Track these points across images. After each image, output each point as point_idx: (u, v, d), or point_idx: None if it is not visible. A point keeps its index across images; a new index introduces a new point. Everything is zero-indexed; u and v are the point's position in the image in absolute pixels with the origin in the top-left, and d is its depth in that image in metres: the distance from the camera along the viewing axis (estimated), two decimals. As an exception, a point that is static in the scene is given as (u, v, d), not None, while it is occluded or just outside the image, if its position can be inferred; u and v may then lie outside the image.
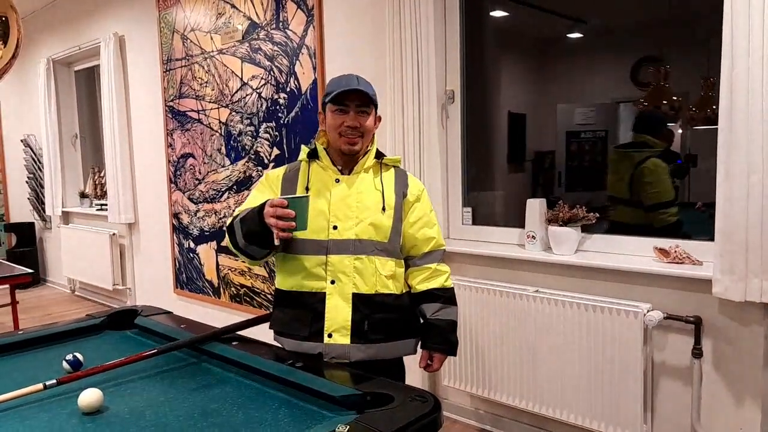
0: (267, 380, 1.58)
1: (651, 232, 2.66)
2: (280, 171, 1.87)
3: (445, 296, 1.83)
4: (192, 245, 4.54)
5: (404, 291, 1.83)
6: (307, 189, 1.78)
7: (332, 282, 1.71)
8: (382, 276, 1.74)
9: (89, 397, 1.43)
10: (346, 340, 1.70)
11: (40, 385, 1.50)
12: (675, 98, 3.36)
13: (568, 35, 3.85)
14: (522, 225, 2.79)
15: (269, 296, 3.91)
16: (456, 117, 3.05)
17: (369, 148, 1.83)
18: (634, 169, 2.96)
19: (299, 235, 1.71)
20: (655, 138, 2.98)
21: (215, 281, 4.35)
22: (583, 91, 3.81)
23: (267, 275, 3.91)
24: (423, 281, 1.83)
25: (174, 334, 1.93)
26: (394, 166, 1.87)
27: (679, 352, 2.31)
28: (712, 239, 2.16)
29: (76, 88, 6.18)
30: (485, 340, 2.75)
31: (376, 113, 1.81)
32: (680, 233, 2.76)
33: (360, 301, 1.71)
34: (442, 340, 1.81)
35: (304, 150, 1.85)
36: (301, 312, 1.75)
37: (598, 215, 2.59)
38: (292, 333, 1.77)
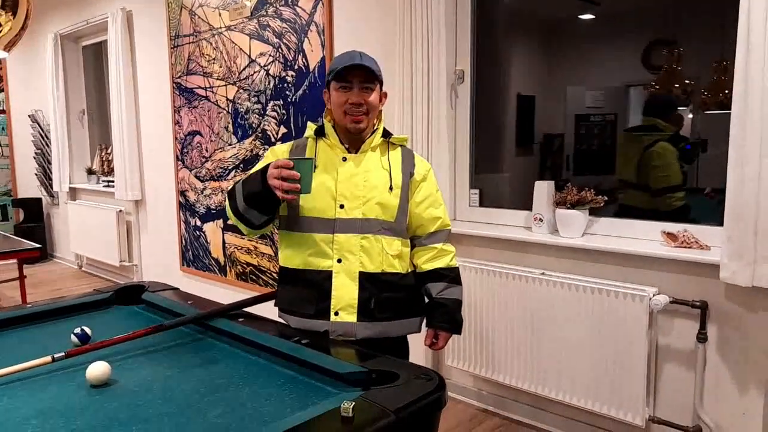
0: (273, 357, 1.59)
1: (658, 216, 2.64)
2: (287, 146, 1.85)
3: (451, 275, 1.84)
4: (198, 223, 4.55)
5: (410, 270, 1.84)
6: (314, 167, 1.74)
7: (339, 260, 1.71)
8: (389, 255, 1.74)
9: (97, 369, 1.44)
10: (353, 318, 1.71)
11: (48, 358, 1.52)
12: (687, 82, 3.31)
13: (579, 17, 3.80)
14: (529, 208, 2.78)
15: (275, 275, 3.93)
16: (465, 97, 3.02)
17: (376, 126, 1.80)
18: (643, 152, 2.93)
19: (305, 213, 1.72)
20: (664, 122, 2.94)
21: (221, 259, 4.37)
22: (594, 74, 3.76)
23: (273, 254, 3.93)
24: (429, 260, 1.83)
25: (181, 309, 1.94)
26: (401, 146, 1.85)
27: (684, 337, 2.31)
28: (720, 224, 2.15)
29: (83, 64, 6.16)
30: (490, 321, 2.76)
31: (381, 89, 1.78)
32: (687, 218, 2.74)
33: (366, 280, 1.72)
34: (447, 319, 1.82)
35: (311, 127, 1.83)
36: (307, 290, 1.75)
37: (606, 198, 2.57)
38: (298, 311, 1.77)
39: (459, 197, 3.10)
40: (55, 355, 1.53)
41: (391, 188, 1.75)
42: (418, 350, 2.95)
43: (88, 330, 1.73)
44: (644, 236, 2.49)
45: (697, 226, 2.37)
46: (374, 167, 1.76)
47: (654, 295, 2.27)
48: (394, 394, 1.26)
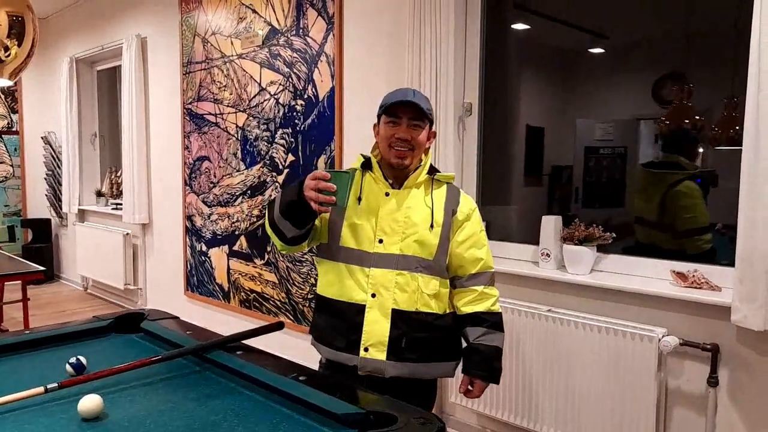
0: (270, 393, 1.55)
1: (681, 257, 2.52)
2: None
3: (492, 320, 1.77)
4: (204, 248, 4.54)
5: (447, 311, 1.79)
6: (359, 200, 1.76)
7: (373, 295, 1.69)
8: (425, 294, 1.71)
9: (89, 403, 1.41)
10: (382, 356, 1.68)
11: (41, 389, 1.49)
12: (697, 117, 3.29)
13: (589, 50, 3.81)
14: (537, 241, 2.74)
15: (278, 302, 3.90)
16: (473, 129, 3.02)
17: (422, 163, 1.79)
18: (666, 191, 2.84)
19: (345, 243, 1.73)
20: (686, 158, 2.87)
21: (225, 285, 4.35)
22: (603, 107, 3.76)
23: (276, 281, 3.90)
24: (468, 303, 1.77)
25: (179, 340, 1.91)
26: (447, 183, 1.83)
27: (694, 380, 2.25)
28: (732, 264, 2.10)
29: (97, 88, 6.25)
30: (495, 357, 2.70)
31: (431, 128, 1.78)
32: (713, 261, 2.66)
33: (399, 318, 1.69)
34: (484, 367, 1.75)
35: (359, 159, 1.83)
36: (339, 321, 1.74)
37: (614, 235, 2.53)
38: (329, 342, 1.76)
39: (465, 229, 3.07)
40: (48, 386, 1.50)
41: (432, 226, 1.72)
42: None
43: (83, 359, 1.70)
44: (654, 275, 2.44)
45: (707, 266, 2.32)
46: (416, 204, 1.74)
47: (663, 336, 2.22)
48: (391, 439, 1.22)
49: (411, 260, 1.70)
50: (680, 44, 3.26)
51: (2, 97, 6.50)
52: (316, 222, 1.77)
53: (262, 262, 3.98)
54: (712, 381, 2.17)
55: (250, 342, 1.89)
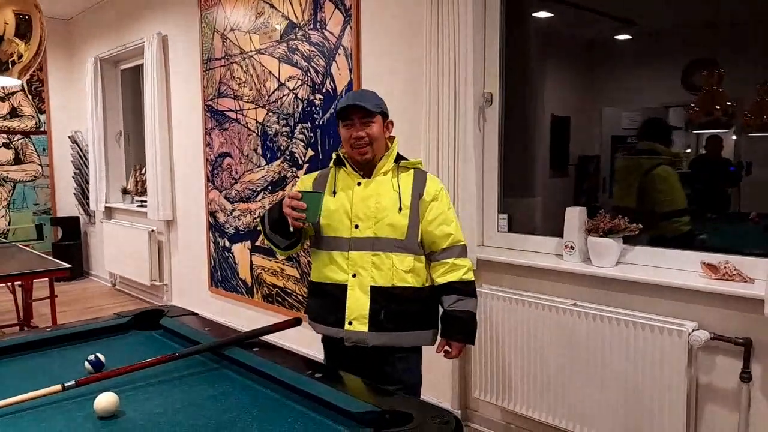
0: (286, 390, 1.53)
1: (661, 243, 2.57)
2: (313, 175, 2.10)
3: (464, 289, 1.95)
4: (227, 244, 4.56)
5: (426, 285, 1.97)
6: (334, 193, 1.98)
7: (353, 275, 1.90)
8: (400, 270, 1.89)
9: (105, 401, 1.41)
10: (364, 328, 1.88)
11: (58, 386, 1.50)
12: (729, 103, 3.18)
13: (615, 37, 3.70)
14: (562, 234, 2.67)
15: (300, 297, 3.89)
16: (493, 120, 2.96)
17: (388, 152, 1.98)
18: (643, 177, 2.86)
19: (326, 232, 1.96)
20: (663, 145, 2.87)
21: (249, 280, 4.36)
22: (630, 95, 3.65)
23: (299, 276, 3.89)
24: (442, 274, 1.96)
25: (197, 336, 1.91)
26: (415, 168, 2.01)
27: (726, 376, 2.16)
28: (765, 254, 2.02)
29: (121, 87, 6.32)
30: (518, 352, 2.65)
31: (385, 120, 1.98)
32: (695, 243, 2.64)
33: (378, 293, 1.88)
34: (458, 330, 1.94)
35: (333, 157, 2.05)
36: (327, 301, 1.95)
37: (641, 226, 2.45)
38: (321, 319, 1.98)
39: (487, 222, 3.02)
40: (66, 384, 1.50)
41: (400, 209, 1.91)
42: (444, 379, 2.86)
43: (101, 357, 1.71)
44: (683, 267, 2.35)
45: (739, 257, 2.23)
46: (385, 190, 1.94)
47: (693, 331, 2.14)
48: (406, 439, 1.18)
49: (384, 241, 1.89)
50: (711, 29, 3.14)
51: (30, 98, 6.62)
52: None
53: (284, 257, 3.98)
54: (745, 376, 2.09)
55: (271, 337, 1.88)
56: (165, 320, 2.11)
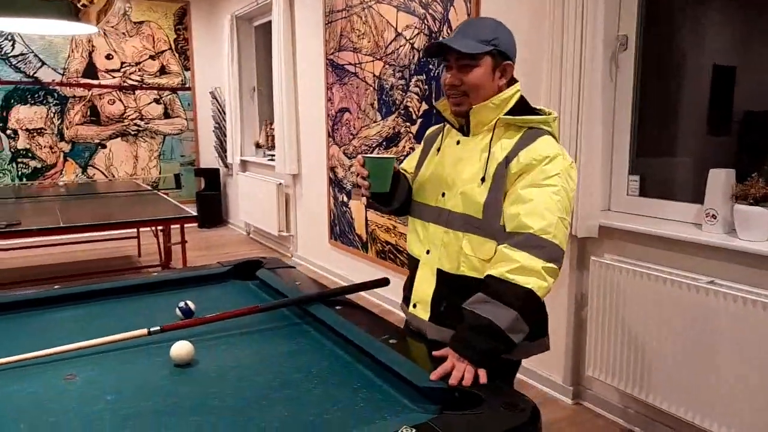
0: (358, 353, 1.45)
1: None
2: (431, 130, 1.76)
3: (497, 288, 1.33)
4: (345, 199, 4.59)
5: None
6: (438, 150, 1.63)
7: (427, 252, 1.58)
8: (469, 257, 1.46)
9: (180, 349, 1.42)
10: (425, 316, 1.57)
11: (144, 330, 1.54)
12: None
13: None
14: (702, 200, 2.30)
15: (412, 256, 3.81)
16: (628, 68, 2.59)
17: (497, 102, 1.48)
18: None
19: (416, 198, 1.65)
20: None
21: (364, 236, 4.37)
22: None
23: (411, 235, 3.81)
24: (491, 265, 1.39)
25: (287, 291, 1.89)
26: (530, 128, 1.48)
27: None
28: None
29: (255, 43, 6.54)
30: (643, 332, 2.35)
31: (496, 62, 1.49)
32: None
33: (443, 279, 1.53)
34: (458, 337, 1.34)
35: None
36: (409, 275, 1.68)
37: (807, 194, 2.02)
38: (404, 294, 1.71)
39: (615, 184, 2.69)
40: (151, 329, 1.54)
41: (483, 179, 1.46)
42: (556, 352, 2.62)
43: (191, 305, 1.74)
44: None
45: None
46: (477, 153, 1.51)
47: None
48: (468, 424, 1.04)
49: (457, 218, 1.50)
50: None
51: (177, 56, 7.09)
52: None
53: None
54: None
55: (354, 297, 1.81)
56: (261, 272, 2.12)
